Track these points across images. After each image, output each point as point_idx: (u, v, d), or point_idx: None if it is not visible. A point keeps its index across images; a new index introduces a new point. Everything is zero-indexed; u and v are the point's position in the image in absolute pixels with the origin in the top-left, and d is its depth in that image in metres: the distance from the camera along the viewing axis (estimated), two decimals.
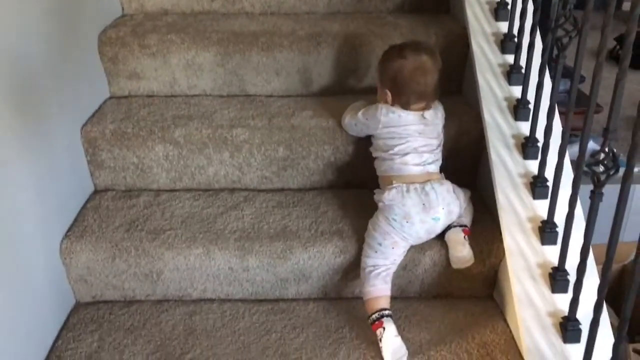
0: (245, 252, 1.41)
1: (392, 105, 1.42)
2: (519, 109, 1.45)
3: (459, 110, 1.60)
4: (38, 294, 1.32)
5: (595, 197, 1.06)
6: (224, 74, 1.71)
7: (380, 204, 1.39)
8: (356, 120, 1.48)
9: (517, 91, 1.49)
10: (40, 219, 1.34)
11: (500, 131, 1.44)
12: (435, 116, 1.44)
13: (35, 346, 1.30)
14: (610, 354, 1.01)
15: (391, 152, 1.41)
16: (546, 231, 1.28)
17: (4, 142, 1.20)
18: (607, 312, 1.16)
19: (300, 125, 1.57)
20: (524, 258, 1.27)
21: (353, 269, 1.43)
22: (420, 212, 1.34)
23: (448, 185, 1.39)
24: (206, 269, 1.42)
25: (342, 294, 1.48)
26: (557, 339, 1.19)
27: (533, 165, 1.38)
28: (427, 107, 1.43)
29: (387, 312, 1.31)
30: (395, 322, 1.32)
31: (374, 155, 1.47)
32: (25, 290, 1.27)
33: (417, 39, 1.58)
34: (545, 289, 1.24)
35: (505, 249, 1.30)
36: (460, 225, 1.40)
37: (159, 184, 1.61)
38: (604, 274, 1.03)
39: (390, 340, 1.27)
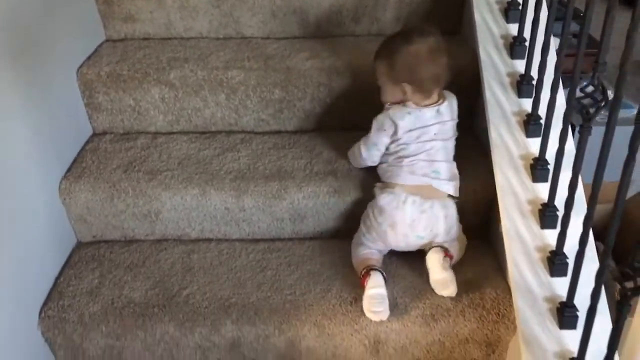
0: (241, 192, 1.43)
1: (407, 101, 1.34)
2: (515, 46, 1.43)
3: (454, 49, 1.58)
4: (40, 233, 1.36)
5: (584, 130, 1.06)
6: (220, 15, 1.69)
7: (375, 200, 1.36)
8: (372, 143, 1.38)
9: (514, 29, 1.47)
10: (39, 161, 1.37)
11: (495, 69, 1.43)
12: (451, 109, 1.37)
13: (38, 283, 1.34)
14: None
15: (402, 157, 1.34)
16: (538, 168, 1.29)
17: (3, 87, 1.21)
18: (594, 246, 1.18)
19: (296, 66, 1.57)
20: (514, 194, 1.28)
21: (347, 209, 1.45)
22: (406, 226, 1.32)
23: (449, 211, 1.34)
24: (203, 209, 1.45)
25: (337, 234, 1.50)
26: (544, 273, 1.21)
27: (527, 104, 1.37)
28: (440, 99, 1.36)
29: (375, 266, 1.31)
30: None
31: (383, 159, 1.40)
32: (28, 230, 1.30)
33: (414, 25, 1.53)
34: (534, 225, 1.25)
35: (497, 186, 1.31)
36: (442, 247, 1.32)
37: (156, 127, 1.63)
38: (590, 205, 1.04)
39: (371, 291, 1.27)
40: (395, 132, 1.34)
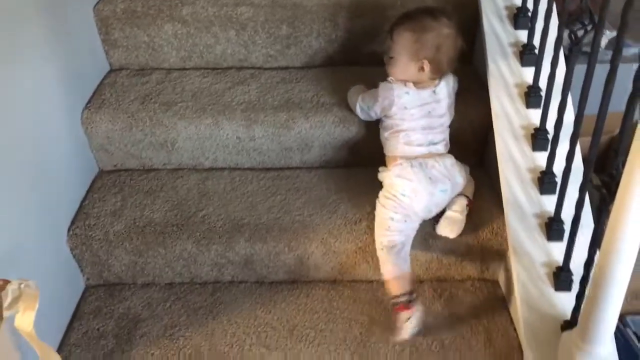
0: (251, 122, 1.52)
1: (417, 77, 1.38)
2: None
3: None
4: (65, 161, 1.46)
5: (573, 54, 1.13)
6: None
7: (387, 181, 1.38)
8: (368, 105, 1.44)
9: None
10: (62, 93, 1.45)
11: (493, 2, 1.49)
12: (447, 88, 1.41)
13: (65, 205, 1.45)
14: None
15: (398, 131, 1.38)
16: (531, 96, 1.37)
17: (28, 25, 1.29)
18: (581, 165, 1.26)
19: (302, 3, 1.63)
20: (508, 120, 1.36)
21: (351, 138, 1.53)
22: (428, 185, 1.34)
23: (452, 159, 1.39)
24: (216, 138, 1.54)
25: (341, 163, 1.60)
26: (534, 191, 1.31)
27: (523, 35, 1.44)
28: (438, 82, 1.40)
29: (414, 295, 1.30)
30: None
31: (382, 132, 1.44)
32: (54, 158, 1.40)
33: (438, 6, 1.51)
34: (527, 147, 1.34)
35: (492, 112, 1.39)
36: (466, 197, 1.42)
37: (170, 63, 1.70)
38: (575, 128, 1.12)
39: (414, 326, 1.28)
40: (390, 108, 1.39)
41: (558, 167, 1.26)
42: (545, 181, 1.29)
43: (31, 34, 1.31)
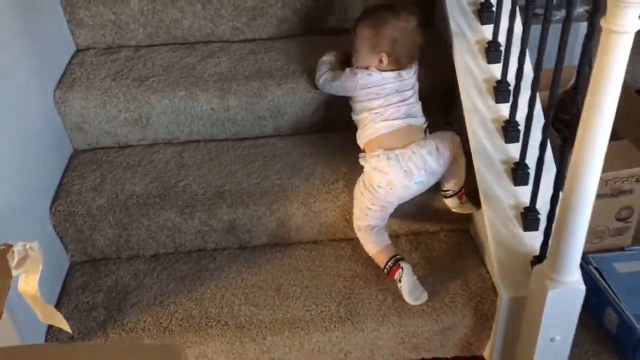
0: (224, 92, 1.55)
1: (377, 66, 1.42)
2: None
3: None
4: (40, 142, 1.46)
5: (529, 10, 1.21)
6: None
7: (365, 170, 1.41)
8: (332, 83, 1.49)
9: None
10: (32, 74, 1.46)
11: None
12: (411, 71, 1.45)
13: (45, 186, 1.46)
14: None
15: (373, 111, 1.41)
16: (492, 51, 1.45)
17: None
18: (541, 113, 1.35)
19: None
20: (472, 75, 1.44)
21: (323, 102, 1.59)
22: (402, 178, 1.37)
23: (430, 146, 1.39)
24: (190, 110, 1.57)
25: (315, 128, 1.65)
26: (499, 140, 1.39)
27: None
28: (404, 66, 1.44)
29: (399, 256, 1.38)
30: None
31: (356, 119, 1.47)
32: (29, 138, 1.40)
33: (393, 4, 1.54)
34: (490, 100, 1.42)
35: (456, 69, 1.47)
36: (455, 193, 1.45)
37: (137, 40, 1.71)
38: (535, 76, 1.20)
39: (408, 279, 1.35)
40: (354, 87, 1.44)
41: (520, 116, 1.34)
42: (509, 129, 1.37)
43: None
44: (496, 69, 1.44)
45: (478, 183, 1.36)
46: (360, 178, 1.42)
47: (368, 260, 1.46)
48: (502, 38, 1.41)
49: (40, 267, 0.88)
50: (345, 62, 1.51)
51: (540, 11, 1.21)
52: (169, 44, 1.72)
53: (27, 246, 0.84)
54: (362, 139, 1.45)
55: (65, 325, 0.97)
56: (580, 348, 1.45)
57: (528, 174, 1.33)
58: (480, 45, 1.48)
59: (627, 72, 0.95)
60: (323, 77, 1.51)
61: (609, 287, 1.47)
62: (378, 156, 1.38)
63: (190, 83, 1.55)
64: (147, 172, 1.52)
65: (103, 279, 1.45)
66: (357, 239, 1.51)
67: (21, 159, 1.35)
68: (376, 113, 1.41)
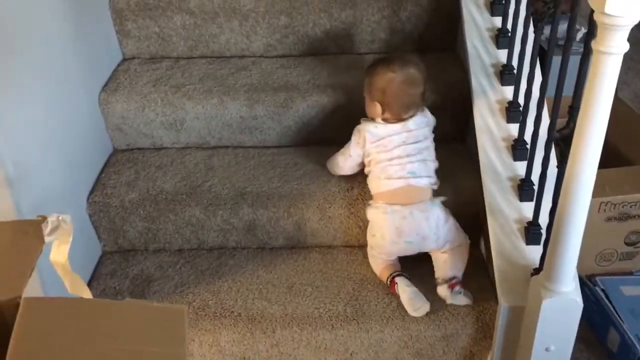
0: (253, 102, 1.67)
1: (380, 117, 1.46)
2: None
3: None
4: (83, 138, 1.60)
5: (537, 30, 1.28)
6: None
7: (371, 219, 1.47)
8: (345, 156, 1.52)
9: None
10: (81, 77, 1.61)
11: None
12: (420, 122, 1.47)
13: (84, 178, 1.59)
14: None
15: (379, 165, 1.45)
16: (505, 74, 1.52)
17: (52, 15, 1.46)
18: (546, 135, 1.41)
19: None
20: (485, 96, 1.53)
21: (344, 118, 1.67)
22: (393, 234, 1.42)
23: (430, 214, 1.41)
24: (221, 117, 1.69)
25: (336, 142, 1.74)
26: (507, 157, 1.46)
27: (498, 21, 1.60)
28: (412, 116, 1.46)
29: (396, 272, 1.43)
30: None
31: (367, 170, 1.51)
32: (75, 134, 1.54)
33: (402, 53, 1.67)
34: (501, 120, 1.50)
35: (472, 90, 1.55)
36: (447, 281, 1.41)
37: (178, 52, 1.85)
38: (541, 98, 1.27)
39: (405, 290, 1.39)
40: (364, 144, 1.47)
41: (528, 136, 1.41)
42: (517, 148, 1.43)
43: (55, 23, 1.47)
44: (509, 91, 1.51)
45: (485, 198, 1.43)
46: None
47: None
48: (514, 62, 1.49)
49: (71, 239, 1.00)
50: None
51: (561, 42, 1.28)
52: (206, 57, 1.86)
53: (59, 217, 0.95)
54: (370, 188, 1.50)
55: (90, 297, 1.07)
56: None
57: (533, 190, 1.38)
58: (496, 68, 1.56)
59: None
60: (338, 157, 1.56)
61: (614, 308, 1.51)
62: (377, 208, 1.45)
63: (222, 92, 1.68)
64: (177, 172, 1.64)
65: (130, 268, 1.57)
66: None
67: (66, 152, 1.48)
68: (381, 168, 1.45)
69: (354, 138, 1.50)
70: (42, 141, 1.38)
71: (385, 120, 1.47)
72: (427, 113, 1.50)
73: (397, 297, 1.43)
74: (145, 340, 0.80)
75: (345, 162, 1.54)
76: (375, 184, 1.48)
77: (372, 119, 1.49)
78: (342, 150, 1.55)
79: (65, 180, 1.48)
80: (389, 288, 1.45)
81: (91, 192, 1.58)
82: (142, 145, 1.75)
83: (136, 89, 1.69)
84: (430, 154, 1.48)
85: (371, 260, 1.50)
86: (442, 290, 1.42)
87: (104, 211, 1.55)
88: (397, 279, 1.42)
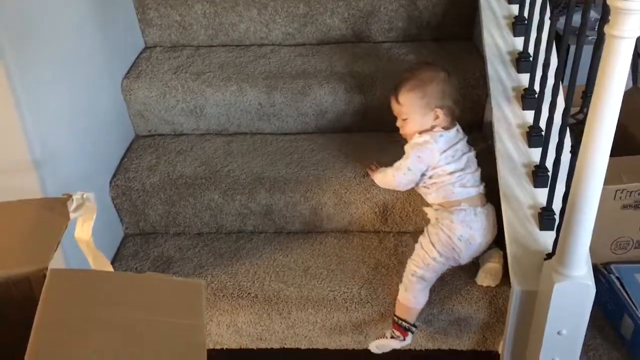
0: (271, 89, 1.69)
1: (435, 127, 1.43)
2: None
3: None
4: (107, 124, 1.65)
5: (553, 17, 1.29)
6: None
7: (445, 222, 1.40)
8: (403, 170, 1.45)
9: None
10: (105, 64, 1.65)
11: None
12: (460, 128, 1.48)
13: (107, 162, 1.64)
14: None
15: (455, 175, 1.41)
16: (522, 61, 1.53)
17: (77, 5, 1.51)
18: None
19: None
20: (502, 84, 1.53)
21: (361, 105, 1.70)
22: (482, 235, 1.40)
23: (492, 209, 1.44)
24: (240, 104, 1.72)
25: (355, 128, 1.76)
26: (523, 144, 1.47)
27: (516, 9, 1.61)
28: (456, 122, 1.47)
29: (415, 328, 1.40)
30: None
31: (427, 182, 1.46)
32: (99, 119, 1.59)
33: (423, 60, 1.67)
34: (517, 107, 1.51)
35: (488, 78, 1.56)
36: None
37: (199, 41, 1.89)
38: (556, 84, 1.28)
39: (393, 346, 1.40)
40: (434, 158, 1.42)
41: (543, 123, 1.42)
42: (532, 135, 1.44)
43: (79, 11, 1.52)
44: (524, 78, 1.52)
45: (499, 184, 1.44)
46: (432, 230, 1.42)
47: (392, 252, 1.55)
48: (531, 49, 1.49)
49: (94, 217, 1.04)
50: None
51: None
52: (226, 45, 1.89)
53: (84, 195, 0.99)
54: (435, 198, 1.45)
55: None
56: (596, 352, 1.49)
57: (548, 176, 1.39)
58: (512, 56, 1.57)
59: None
60: (393, 173, 1.47)
61: (628, 295, 1.50)
62: (465, 210, 1.40)
63: (241, 79, 1.71)
64: (197, 157, 1.68)
65: (151, 250, 1.61)
66: (384, 231, 1.62)
67: (90, 136, 1.53)
68: (458, 177, 1.42)
69: (417, 151, 1.43)
70: (67, 125, 1.43)
71: (443, 128, 1.44)
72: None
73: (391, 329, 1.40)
74: (166, 311, 0.83)
75: (403, 177, 1.46)
76: (446, 192, 1.42)
77: (431, 131, 1.44)
78: (396, 165, 1.47)
79: (89, 163, 1.52)
80: (397, 325, 1.40)
81: (114, 176, 1.62)
82: (163, 131, 1.79)
83: (157, 76, 1.73)
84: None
85: (411, 285, 1.39)
86: (497, 257, 1.44)
87: (126, 194, 1.60)
88: (408, 338, 1.40)
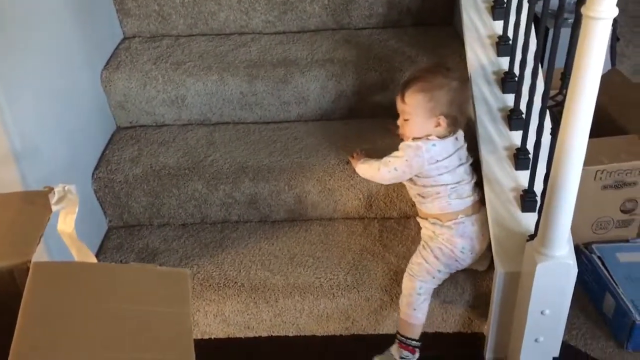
0: (252, 78, 1.69)
1: (431, 135, 1.39)
2: None
3: None
4: (87, 116, 1.63)
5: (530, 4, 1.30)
6: None
7: (444, 237, 1.39)
8: (389, 168, 1.42)
9: None
10: (83, 54, 1.63)
11: None
12: (462, 134, 1.44)
13: (89, 155, 1.63)
14: None
15: (449, 187, 1.39)
16: (501, 44, 1.54)
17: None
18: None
19: None
20: (482, 67, 1.54)
21: (344, 91, 1.70)
22: (481, 241, 1.40)
23: (485, 215, 1.42)
24: (222, 94, 1.71)
25: (336, 115, 1.77)
26: (504, 128, 1.48)
27: None
28: (457, 129, 1.42)
29: (419, 344, 1.40)
30: None
31: (421, 192, 1.43)
32: (78, 111, 1.58)
33: (438, 62, 1.61)
34: (497, 90, 1.51)
35: (467, 61, 1.57)
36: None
37: (178, 30, 1.87)
38: (535, 65, 1.29)
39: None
40: (422, 165, 1.38)
41: (524, 106, 1.43)
42: (513, 117, 1.45)
43: (55, 3, 1.49)
44: (504, 61, 1.53)
45: (482, 167, 1.45)
46: (433, 244, 1.41)
47: (377, 238, 1.56)
48: (510, 32, 1.50)
49: (77, 209, 1.03)
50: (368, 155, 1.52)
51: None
52: (206, 34, 1.88)
53: (65, 188, 0.99)
54: (430, 208, 1.43)
55: None
56: (579, 331, 1.52)
57: (529, 159, 1.41)
58: (492, 39, 1.57)
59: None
60: (380, 167, 1.44)
61: (609, 274, 1.53)
62: (463, 222, 1.39)
63: (222, 69, 1.70)
64: (180, 148, 1.67)
65: (135, 242, 1.60)
66: (369, 218, 1.62)
67: (70, 128, 1.52)
68: (452, 188, 1.39)
69: (407, 155, 1.39)
70: (47, 118, 1.41)
71: (439, 136, 1.39)
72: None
73: (398, 348, 1.40)
74: (152, 300, 0.83)
75: (388, 173, 1.43)
76: (442, 204, 1.40)
77: (425, 138, 1.39)
78: (384, 161, 1.43)
79: (70, 156, 1.51)
80: (402, 344, 1.39)
81: (96, 168, 1.61)
82: (144, 122, 1.77)
83: (137, 66, 1.72)
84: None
85: (411, 300, 1.38)
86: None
87: (109, 187, 1.58)
88: (416, 354, 1.40)
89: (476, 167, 1.47)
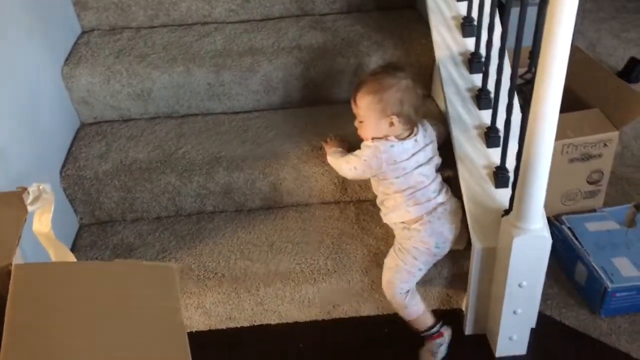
0: (219, 68, 1.67)
1: (389, 136, 1.39)
2: None
3: None
4: (49, 113, 1.58)
5: None
6: None
7: (416, 238, 1.40)
8: (350, 166, 1.43)
9: None
10: (43, 52, 1.58)
11: None
12: (424, 134, 1.43)
13: (55, 153, 1.58)
14: None
15: (405, 194, 1.39)
16: (466, 25, 1.56)
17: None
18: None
19: None
20: (448, 49, 1.56)
21: (312, 77, 1.70)
22: (453, 229, 1.42)
23: (453, 203, 1.44)
24: (189, 85, 1.68)
25: (305, 102, 1.76)
26: (474, 108, 1.50)
27: None
28: (415, 129, 1.41)
29: (438, 326, 1.43)
30: None
31: (381, 199, 1.46)
32: (40, 109, 1.52)
33: (388, 63, 1.61)
34: (465, 71, 1.53)
35: (433, 43, 1.58)
36: None
37: (138, 22, 1.83)
38: (502, 45, 1.31)
39: (444, 349, 1.43)
40: (380, 166, 1.39)
41: (492, 85, 1.45)
42: (482, 97, 1.48)
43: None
44: (470, 42, 1.55)
45: (454, 147, 1.47)
46: (408, 245, 1.41)
47: (354, 220, 1.57)
48: (475, 13, 1.52)
49: (52, 208, 1.00)
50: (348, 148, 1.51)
51: None
52: (168, 25, 1.84)
53: (40, 187, 0.96)
54: (393, 218, 1.44)
55: None
56: (553, 300, 1.57)
57: (499, 137, 1.44)
58: (456, 20, 1.59)
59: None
60: (342, 164, 1.45)
61: (580, 244, 1.58)
62: (430, 221, 1.39)
63: (187, 60, 1.67)
64: (149, 142, 1.64)
65: (110, 238, 1.57)
66: (345, 201, 1.63)
67: (34, 127, 1.47)
68: (409, 195, 1.39)
69: (366, 155, 1.40)
70: (8, 117, 1.36)
71: (397, 137, 1.39)
72: (427, 125, 1.45)
73: (431, 343, 1.42)
74: (140, 296, 0.82)
75: (349, 171, 1.44)
76: (401, 212, 1.41)
77: (384, 139, 1.39)
78: (347, 158, 1.44)
79: (36, 155, 1.46)
80: (428, 338, 1.42)
81: (63, 166, 1.57)
82: (109, 117, 1.73)
83: (99, 61, 1.67)
84: (438, 164, 1.46)
85: (403, 302, 1.41)
86: None
87: (78, 184, 1.55)
88: (446, 333, 1.43)
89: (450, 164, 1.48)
